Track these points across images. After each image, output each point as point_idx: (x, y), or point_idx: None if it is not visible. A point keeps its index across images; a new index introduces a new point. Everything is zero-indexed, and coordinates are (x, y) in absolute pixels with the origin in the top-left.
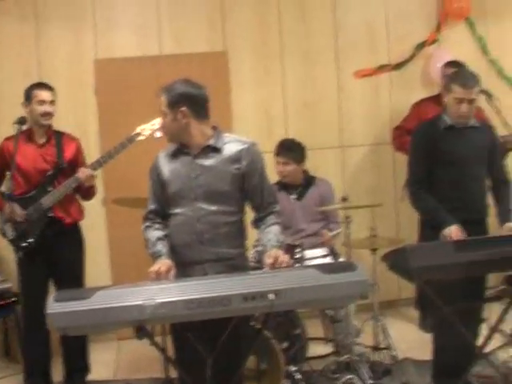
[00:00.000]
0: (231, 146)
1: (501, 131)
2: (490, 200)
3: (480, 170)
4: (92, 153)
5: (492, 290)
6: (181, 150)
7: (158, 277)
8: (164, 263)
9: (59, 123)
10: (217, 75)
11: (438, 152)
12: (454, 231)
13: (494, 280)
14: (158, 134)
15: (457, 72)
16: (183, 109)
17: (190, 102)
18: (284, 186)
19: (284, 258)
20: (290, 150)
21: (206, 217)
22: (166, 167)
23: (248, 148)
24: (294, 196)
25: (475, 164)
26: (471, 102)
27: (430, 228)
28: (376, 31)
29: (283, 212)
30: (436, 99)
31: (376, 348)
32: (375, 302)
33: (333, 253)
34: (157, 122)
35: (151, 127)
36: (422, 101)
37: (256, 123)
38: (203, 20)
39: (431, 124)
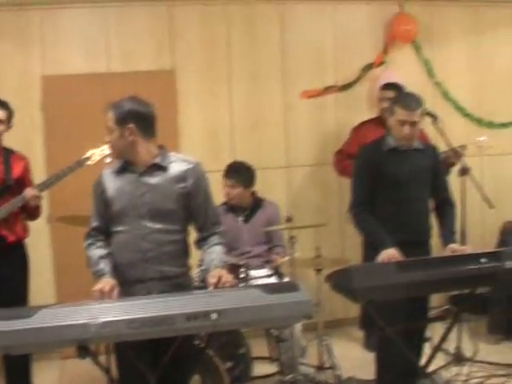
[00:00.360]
0: (177, 165)
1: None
2: (433, 221)
3: (423, 191)
4: (38, 170)
5: (436, 310)
6: (126, 167)
7: (102, 296)
8: (107, 282)
9: (5, 139)
10: (164, 94)
11: (381, 174)
12: (389, 253)
13: (438, 300)
14: (108, 160)
15: (400, 94)
16: (130, 126)
17: (138, 119)
18: (231, 207)
19: (227, 277)
20: (238, 173)
21: (151, 235)
22: (111, 184)
23: (193, 167)
24: (241, 218)
25: (418, 186)
26: (414, 124)
27: (373, 249)
28: (323, 53)
29: (230, 233)
30: (376, 122)
31: (320, 367)
32: (320, 322)
33: (277, 273)
34: (107, 148)
35: (101, 152)
36: (362, 124)
37: (203, 142)
38: (152, 38)
39: (375, 146)
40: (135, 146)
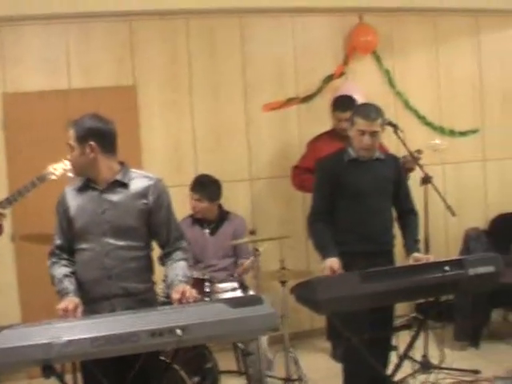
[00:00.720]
0: (138, 182)
1: None
2: (396, 230)
3: (384, 202)
4: (0, 188)
5: (401, 319)
6: (88, 184)
7: (65, 315)
8: (71, 301)
9: None
10: (126, 109)
11: (342, 185)
12: (330, 264)
13: (404, 308)
14: (71, 174)
15: (360, 105)
16: (91, 143)
17: (99, 136)
18: (197, 220)
19: (191, 292)
20: (204, 187)
21: (114, 252)
22: (73, 202)
23: (155, 184)
24: (207, 231)
25: (379, 196)
26: (374, 134)
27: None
28: (284, 65)
29: (195, 246)
30: (330, 134)
31: (288, 380)
32: (286, 334)
33: (242, 286)
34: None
35: (63, 167)
36: (317, 138)
37: (165, 157)
38: (112, 54)
39: (335, 157)
40: (96, 164)
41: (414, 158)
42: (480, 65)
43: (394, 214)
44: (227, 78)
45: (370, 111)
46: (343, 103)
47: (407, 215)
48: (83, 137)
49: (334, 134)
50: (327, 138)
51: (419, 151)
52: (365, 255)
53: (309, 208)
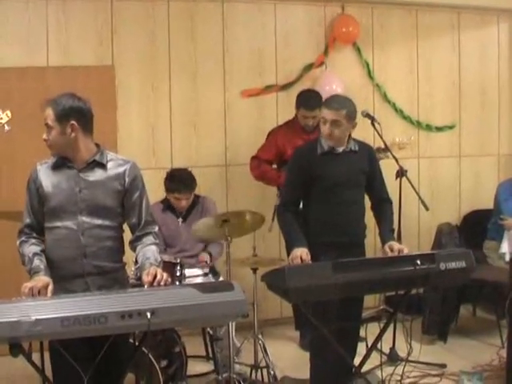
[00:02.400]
0: (115, 164)
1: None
2: (368, 221)
3: (357, 193)
4: None
5: (371, 311)
6: (64, 163)
7: (34, 293)
8: (41, 280)
9: None
10: (104, 89)
11: (314, 177)
12: (297, 254)
13: (373, 300)
14: (7, 128)
15: (329, 96)
16: (73, 123)
17: (79, 116)
18: (169, 205)
19: (162, 276)
20: (186, 184)
21: (90, 230)
22: (47, 180)
23: (131, 167)
24: (179, 218)
25: (352, 188)
26: (334, 123)
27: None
28: (264, 52)
29: (167, 231)
30: (291, 125)
31: (255, 366)
32: (255, 321)
33: (213, 272)
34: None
35: None
36: (277, 129)
37: (141, 140)
38: (92, 32)
39: (309, 148)
40: (76, 143)
41: (389, 150)
42: (459, 61)
43: (367, 204)
44: (207, 63)
45: (334, 101)
46: (310, 101)
47: (382, 204)
48: (64, 116)
49: (296, 126)
50: (288, 130)
51: (386, 149)
52: (336, 246)
53: None
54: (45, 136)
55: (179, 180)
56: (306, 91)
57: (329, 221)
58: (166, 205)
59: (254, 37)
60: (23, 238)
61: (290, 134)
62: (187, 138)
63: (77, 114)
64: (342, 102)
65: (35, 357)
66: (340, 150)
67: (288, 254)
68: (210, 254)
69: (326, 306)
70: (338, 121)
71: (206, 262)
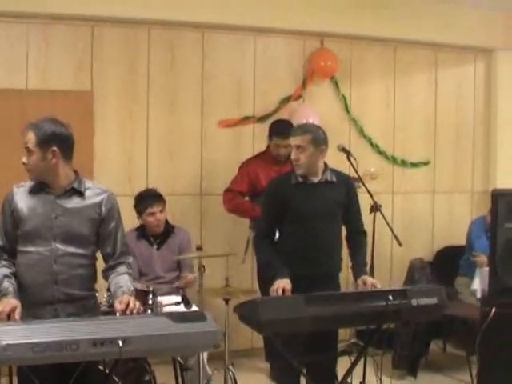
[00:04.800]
0: (92, 192)
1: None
2: (344, 253)
3: (332, 225)
4: None
5: (342, 344)
6: (41, 188)
7: (1, 317)
8: (8, 303)
9: None
10: (81, 114)
11: (289, 208)
12: (280, 285)
13: (344, 334)
14: None
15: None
16: (54, 148)
17: (61, 142)
18: (144, 233)
19: (135, 304)
20: (158, 196)
21: (63, 258)
22: (23, 203)
23: (109, 196)
24: (154, 246)
25: (327, 219)
26: (298, 148)
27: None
28: (243, 83)
29: (141, 259)
30: (264, 157)
31: None
32: (226, 351)
33: (185, 301)
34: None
35: None
36: (250, 161)
37: (117, 166)
38: (71, 58)
39: (284, 179)
40: (56, 169)
41: (364, 185)
42: (436, 98)
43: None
44: (185, 92)
45: (299, 128)
46: (282, 129)
47: (357, 236)
48: (46, 141)
49: (268, 157)
50: (261, 162)
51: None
52: (309, 278)
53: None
54: (24, 160)
55: (148, 195)
56: (279, 120)
57: (301, 253)
58: (141, 232)
59: (233, 67)
60: None
61: (262, 164)
62: (163, 166)
63: (58, 141)
64: (307, 128)
65: (4, 381)
66: (315, 180)
67: (260, 286)
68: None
69: (297, 339)
70: (302, 146)
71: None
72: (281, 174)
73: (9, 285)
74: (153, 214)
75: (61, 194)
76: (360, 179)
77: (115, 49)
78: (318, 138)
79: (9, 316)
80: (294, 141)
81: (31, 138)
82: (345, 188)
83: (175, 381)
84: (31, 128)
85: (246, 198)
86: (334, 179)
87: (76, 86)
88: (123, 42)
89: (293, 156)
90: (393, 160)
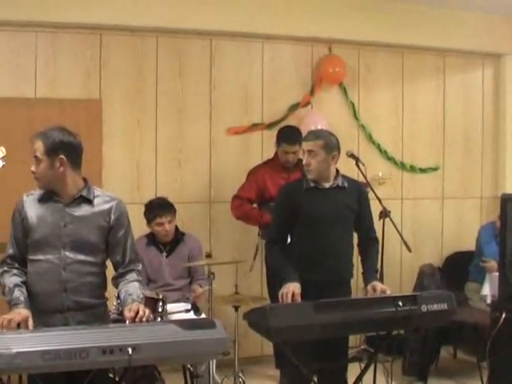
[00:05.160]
0: (101, 200)
1: None
2: (355, 259)
3: (344, 230)
4: None
5: (352, 351)
6: (50, 196)
7: (11, 326)
8: (20, 313)
9: None
10: (90, 123)
11: (300, 213)
12: (290, 289)
13: (354, 340)
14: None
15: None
16: (62, 157)
17: (69, 150)
18: (153, 240)
19: (145, 312)
20: (167, 206)
21: (72, 265)
22: (33, 212)
23: (117, 204)
24: (163, 253)
25: (338, 225)
26: (310, 153)
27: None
28: (251, 90)
29: (151, 266)
30: (272, 164)
31: None
32: (236, 359)
33: (195, 308)
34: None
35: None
36: (258, 167)
37: (126, 174)
38: (80, 66)
39: (295, 184)
40: (64, 177)
41: (373, 191)
42: (444, 103)
43: (357, 240)
44: (193, 100)
45: (311, 133)
46: (290, 136)
47: (369, 243)
48: (53, 150)
49: (276, 164)
50: (269, 169)
51: (366, 184)
52: (319, 285)
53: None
54: (33, 168)
55: (157, 205)
56: (287, 127)
57: (312, 258)
58: (151, 240)
59: (241, 74)
60: (5, 268)
61: (270, 172)
62: (172, 174)
63: (66, 149)
64: (319, 133)
65: None
66: (326, 185)
67: (269, 293)
68: (201, 286)
69: (307, 346)
70: (314, 151)
71: (188, 298)
72: (288, 181)
73: (20, 294)
74: (161, 224)
75: (69, 202)
76: (369, 185)
77: (123, 57)
78: (329, 144)
79: (18, 325)
80: (306, 145)
81: (39, 146)
82: (356, 194)
83: None
84: (39, 137)
85: (254, 205)
86: (346, 185)
87: (84, 94)
88: (131, 50)
89: (304, 161)
90: (401, 166)
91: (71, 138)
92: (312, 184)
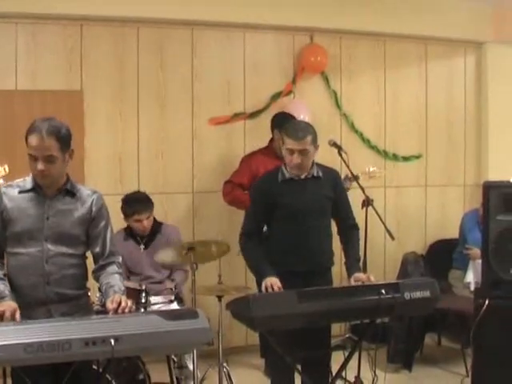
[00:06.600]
0: (83, 193)
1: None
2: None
3: (322, 220)
4: None
5: (336, 339)
6: (33, 188)
7: (6, 317)
8: (8, 305)
9: None
10: (72, 114)
11: (277, 205)
12: (270, 282)
13: (339, 328)
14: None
15: (289, 124)
16: (72, 149)
17: (71, 143)
18: (131, 233)
19: (127, 303)
20: (144, 203)
21: (54, 258)
22: (13, 204)
23: (98, 197)
24: (141, 243)
25: (317, 215)
26: (303, 152)
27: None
28: (233, 80)
29: (130, 259)
30: (266, 151)
31: None
32: (220, 349)
33: (178, 299)
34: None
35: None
36: (252, 154)
37: (108, 165)
38: (61, 57)
39: (270, 177)
40: (65, 170)
41: (355, 180)
42: (426, 91)
43: (334, 229)
44: (175, 90)
45: (298, 130)
46: (286, 122)
47: (348, 231)
48: (66, 144)
49: (270, 152)
50: (262, 156)
51: (357, 177)
52: (302, 275)
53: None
54: (42, 167)
55: (135, 201)
56: (281, 113)
57: (293, 249)
58: (128, 233)
59: (222, 64)
60: None
61: (264, 158)
62: (154, 165)
63: (71, 141)
64: (305, 130)
65: None
66: (302, 176)
67: (258, 283)
68: (174, 281)
69: (291, 335)
70: (305, 150)
71: (171, 289)
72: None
73: (4, 287)
74: (139, 220)
75: (53, 195)
76: (352, 173)
77: (104, 48)
78: (315, 137)
79: (1, 318)
80: (295, 145)
81: (53, 144)
82: (331, 182)
83: (170, 379)
84: (51, 134)
85: (246, 192)
86: (321, 174)
87: (66, 85)
88: (112, 40)
89: (296, 161)
90: (384, 154)
91: (70, 130)
92: (288, 175)
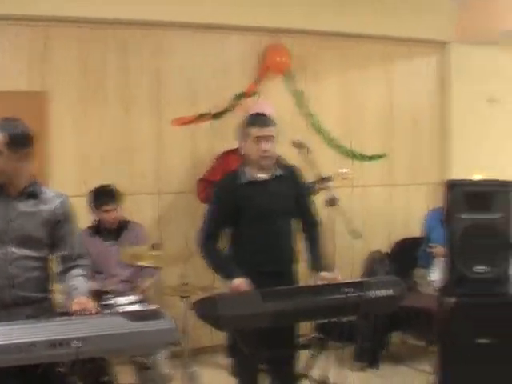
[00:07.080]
0: (47, 195)
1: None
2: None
3: (285, 220)
4: None
5: (303, 338)
6: None
7: None
8: None
9: None
10: (35, 116)
11: (240, 208)
12: (238, 283)
13: (305, 328)
14: None
15: (250, 117)
16: (29, 150)
17: (32, 143)
18: (97, 230)
19: (91, 305)
20: (112, 194)
21: (18, 261)
22: None
23: (63, 200)
24: (107, 240)
25: (279, 215)
26: (270, 139)
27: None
28: (197, 81)
29: (96, 256)
30: (238, 151)
31: None
32: (186, 349)
33: (143, 300)
34: None
35: None
36: (226, 152)
37: (73, 167)
38: (24, 58)
39: (231, 179)
40: (21, 171)
41: (323, 181)
42: (390, 91)
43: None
44: (140, 91)
45: (265, 119)
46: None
47: (310, 228)
48: (19, 143)
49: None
50: (235, 154)
51: (329, 178)
52: (271, 275)
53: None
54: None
55: (104, 192)
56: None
57: (262, 249)
58: (94, 230)
59: (187, 65)
60: None
61: (238, 158)
62: (120, 166)
63: (32, 142)
64: (268, 119)
65: None
66: (264, 177)
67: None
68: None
69: (256, 334)
70: (271, 136)
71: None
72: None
73: None
74: (108, 211)
75: (16, 196)
76: (318, 174)
77: (69, 49)
78: (277, 130)
79: None
80: (266, 131)
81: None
82: (292, 180)
83: (135, 380)
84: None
85: None
86: (282, 173)
87: (29, 86)
88: (76, 41)
89: (266, 147)
90: (350, 154)
91: (30, 130)
92: (249, 177)
